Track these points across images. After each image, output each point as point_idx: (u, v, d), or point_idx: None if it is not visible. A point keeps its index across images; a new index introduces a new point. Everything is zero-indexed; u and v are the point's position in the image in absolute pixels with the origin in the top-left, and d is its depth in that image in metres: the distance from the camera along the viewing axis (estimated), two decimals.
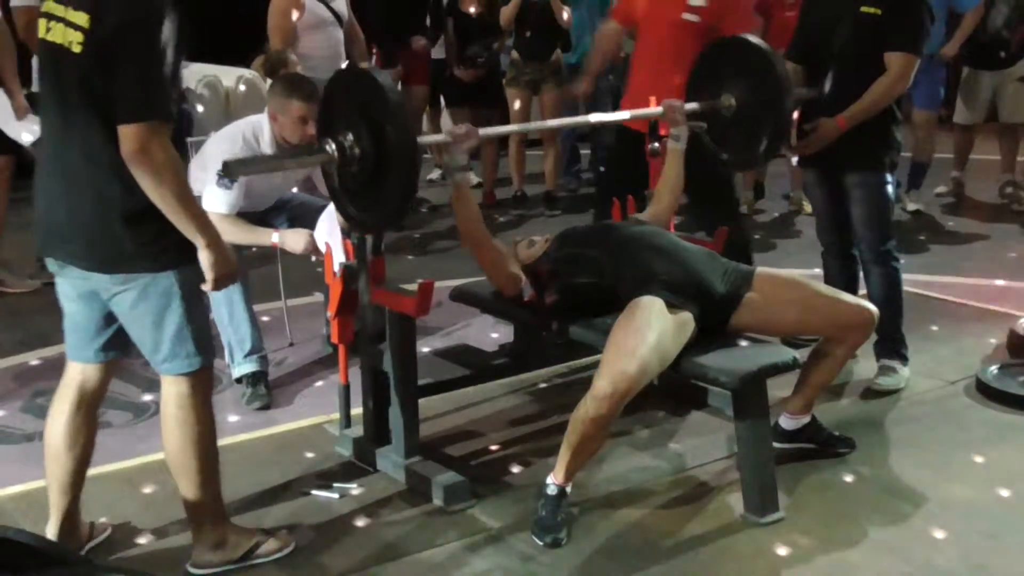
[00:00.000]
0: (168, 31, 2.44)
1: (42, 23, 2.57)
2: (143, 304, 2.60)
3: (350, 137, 2.87)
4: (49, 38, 2.54)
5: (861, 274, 4.04)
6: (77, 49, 2.45)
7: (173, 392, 2.69)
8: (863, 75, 3.74)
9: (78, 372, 2.79)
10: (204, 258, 2.55)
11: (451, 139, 3.13)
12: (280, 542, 2.87)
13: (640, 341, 2.85)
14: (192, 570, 2.79)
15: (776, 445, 3.21)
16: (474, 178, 7.95)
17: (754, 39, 3.69)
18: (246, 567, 2.80)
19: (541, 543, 2.87)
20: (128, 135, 2.40)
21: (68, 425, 2.78)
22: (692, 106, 3.67)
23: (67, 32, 2.47)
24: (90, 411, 2.81)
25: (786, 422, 3.36)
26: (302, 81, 4.06)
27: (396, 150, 2.78)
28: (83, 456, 2.81)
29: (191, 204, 2.51)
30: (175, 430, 2.70)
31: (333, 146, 2.90)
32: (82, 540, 2.89)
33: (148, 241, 2.54)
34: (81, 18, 2.45)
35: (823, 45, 3.85)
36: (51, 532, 2.80)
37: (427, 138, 3.15)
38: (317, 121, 3.96)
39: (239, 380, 3.99)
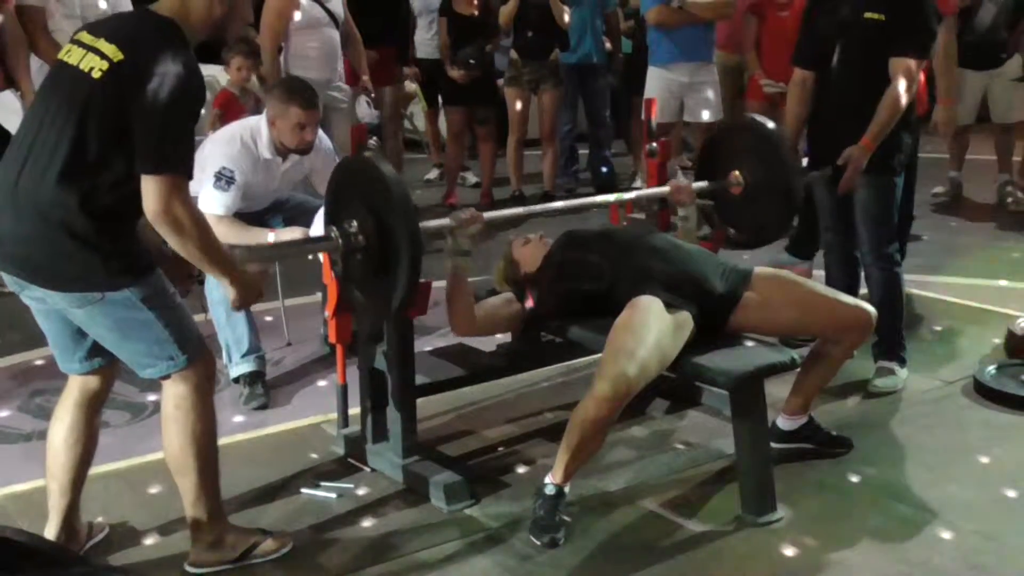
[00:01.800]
0: (196, 86, 2.49)
1: (67, 47, 2.60)
2: (107, 321, 2.60)
3: (355, 225, 2.90)
4: (66, 59, 2.56)
5: (863, 275, 4.04)
6: (97, 75, 2.47)
7: (171, 392, 2.70)
8: (868, 81, 3.73)
9: (78, 377, 2.81)
10: (229, 292, 2.66)
11: (454, 223, 3.14)
12: (278, 542, 2.87)
13: (639, 342, 2.85)
14: (190, 569, 2.79)
15: (774, 445, 3.21)
16: (472, 177, 7.97)
17: (762, 120, 3.72)
18: (244, 567, 2.80)
19: (539, 543, 2.87)
20: (152, 190, 2.44)
21: (70, 424, 2.79)
22: (700, 185, 3.70)
23: (91, 58, 2.49)
24: (92, 412, 2.82)
25: (784, 422, 3.36)
26: (302, 88, 4.06)
27: (400, 240, 2.81)
28: (83, 456, 2.82)
29: (214, 253, 2.58)
30: (174, 429, 2.70)
31: (337, 234, 2.94)
32: (81, 540, 2.88)
33: (99, 262, 2.53)
34: (110, 49, 2.47)
35: (829, 51, 3.85)
36: (50, 532, 2.80)
37: (431, 223, 3.15)
38: (315, 127, 4.00)
39: (236, 380, 3.99)
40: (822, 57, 3.87)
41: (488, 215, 3.25)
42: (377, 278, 2.94)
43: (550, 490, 2.90)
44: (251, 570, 2.80)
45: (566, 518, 2.92)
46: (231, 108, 5.32)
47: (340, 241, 2.93)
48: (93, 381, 2.80)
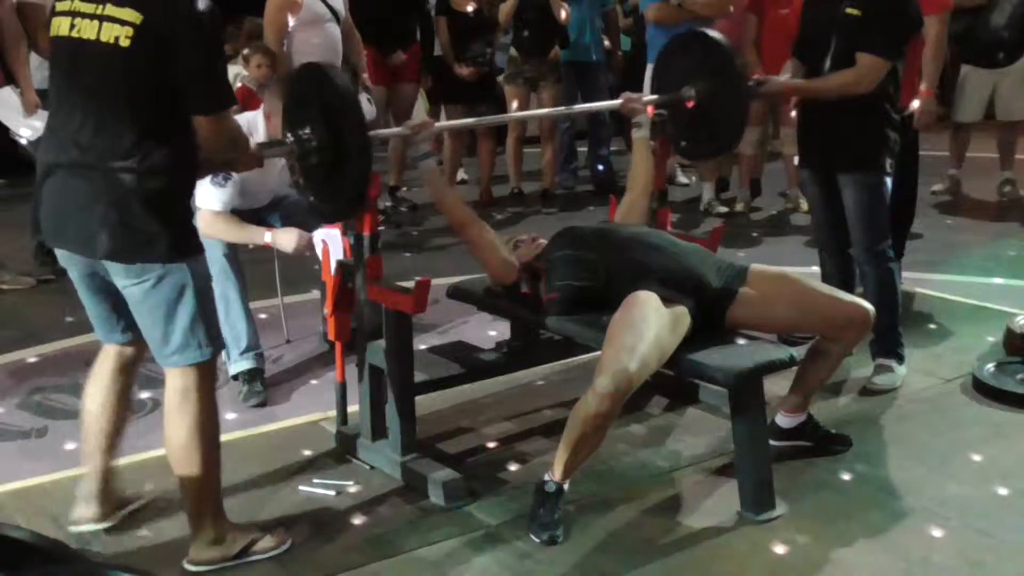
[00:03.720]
0: (219, 16, 2.59)
1: (63, 21, 2.61)
2: (155, 296, 2.64)
3: (308, 131, 3.04)
4: (75, 35, 2.57)
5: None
6: (125, 43, 2.50)
7: (179, 385, 2.72)
8: None
9: (114, 345, 2.91)
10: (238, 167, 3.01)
11: (409, 131, 3.26)
12: (276, 539, 2.87)
13: (639, 338, 2.84)
14: (189, 567, 2.79)
15: (773, 443, 3.21)
16: (463, 174, 7.99)
17: (714, 33, 3.84)
18: (243, 564, 2.80)
19: (538, 540, 2.87)
20: (214, 129, 2.61)
21: (107, 389, 2.89)
22: (652, 98, 3.80)
23: (108, 28, 2.52)
24: (128, 377, 2.93)
25: (783, 420, 3.36)
26: None
27: (350, 144, 2.94)
28: (119, 419, 2.93)
29: (245, 154, 2.89)
30: (180, 423, 2.72)
31: (292, 139, 3.06)
32: (116, 505, 2.98)
33: (161, 231, 2.59)
34: (129, 14, 2.50)
35: (818, 46, 3.86)
36: (83, 493, 2.93)
37: (382, 132, 3.30)
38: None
39: (235, 377, 3.99)
40: (813, 50, 3.88)
41: (439, 124, 3.47)
42: (330, 181, 3.07)
43: (550, 487, 2.89)
44: (251, 568, 2.80)
45: (565, 516, 2.92)
46: (250, 104, 5.35)
47: (295, 145, 3.06)
48: (129, 350, 2.90)
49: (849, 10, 3.70)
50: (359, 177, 2.98)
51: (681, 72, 3.82)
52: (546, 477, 2.91)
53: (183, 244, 2.65)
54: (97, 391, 2.91)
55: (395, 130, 3.38)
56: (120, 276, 2.64)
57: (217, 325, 2.79)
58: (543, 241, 3.42)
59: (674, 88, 3.81)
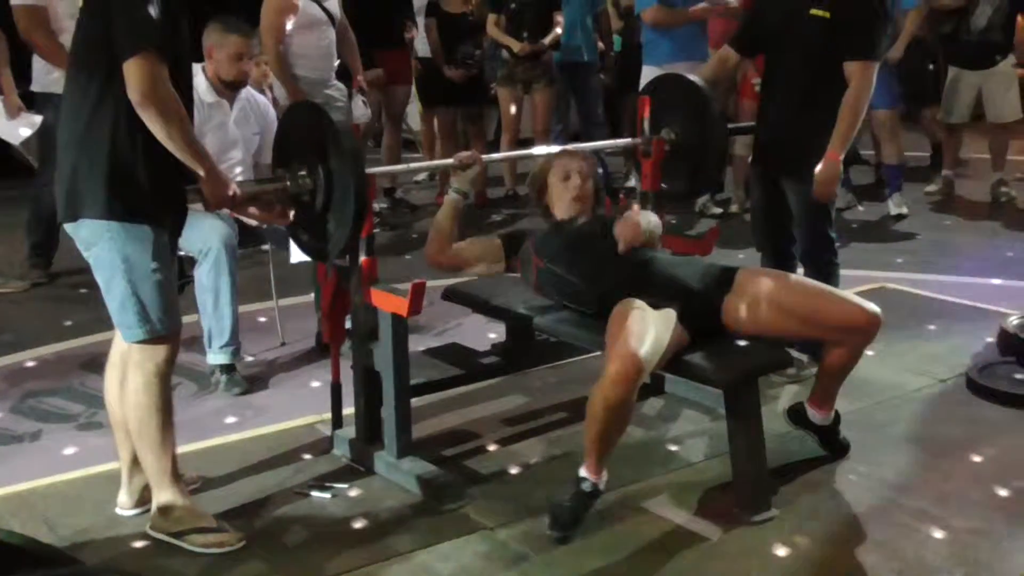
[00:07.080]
0: None
1: None
2: (96, 268, 2.78)
3: (303, 170, 3.03)
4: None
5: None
6: (79, 16, 2.71)
7: (127, 358, 2.85)
8: (813, 78, 3.72)
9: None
10: (202, 183, 2.77)
11: (455, 162, 3.38)
12: (222, 537, 2.85)
13: (640, 326, 2.86)
14: (148, 530, 2.90)
15: (791, 425, 3.25)
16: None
17: (693, 78, 3.85)
18: (236, 563, 2.79)
19: (549, 531, 2.86)
20: (134, 73, 2.55)
21: (120, 376, 2.92)
22: (621, 142, 3.93)
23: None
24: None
25: (813, 414, 3.31)
26: (238, 21, 4.18)
27: (348, 187, 2.91)
28: None
29: (192, 140, 2.71)
30: (123, 395, 2.87)
31: (286, 175, 3.05)
32: (148, 493, 3.00)
33: (90, 188, 2.69)
34: None
35: (773, 44, 3.84)
36: (122, 479, 3.02)
37: (378, 169, 3.29)
38: (251, 59, 4.17)
39: (213, 368, 4.04)
40: (761, 46, 3.88)
41: (486, 157, 3.50)
42: (324, 220, 3.04)
43: (587, 486, 2.87)
44: (242, 565, 2.79)
45: (587, 519, 2.89)
46: None
47: (288, 184, 3.04)
48: None
49: (815, 11, 3.66)
50: (355, 220, 2.93)
51: (658, 114, 3.84)
52: (582, 473, 2.88)
53: (125, 206, 2.69)
54: (112, 379, 2.95)
55: (394, 168, 3.42)
56: (75, 238, 2.78)
57: (157, 308, 2.78)
58: (590, 185, 3.53)
59: (652, 129, 3.85)
